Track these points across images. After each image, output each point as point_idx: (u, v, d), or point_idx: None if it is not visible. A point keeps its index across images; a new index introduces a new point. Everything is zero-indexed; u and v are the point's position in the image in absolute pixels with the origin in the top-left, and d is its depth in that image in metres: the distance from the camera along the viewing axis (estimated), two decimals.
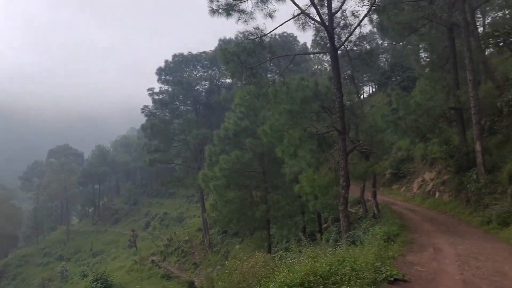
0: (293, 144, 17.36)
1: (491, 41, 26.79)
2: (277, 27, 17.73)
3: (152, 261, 55.71)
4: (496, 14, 45.29)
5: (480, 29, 40.29)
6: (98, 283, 40.40)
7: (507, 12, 40.23)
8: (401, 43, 50.26)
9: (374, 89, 77.20)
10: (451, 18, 22.94)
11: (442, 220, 20.90)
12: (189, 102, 54.13)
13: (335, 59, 16.86)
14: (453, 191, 25.31)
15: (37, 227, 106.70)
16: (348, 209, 31.67)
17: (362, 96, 78.14)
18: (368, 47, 30.34)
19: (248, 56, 18.92)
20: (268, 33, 18.52)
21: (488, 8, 44.79)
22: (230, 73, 18.65)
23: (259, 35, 18.55)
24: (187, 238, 57.51)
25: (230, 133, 26.83)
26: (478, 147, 20.47)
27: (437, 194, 29.02)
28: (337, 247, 13.80)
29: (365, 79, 77.15)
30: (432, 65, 26.10)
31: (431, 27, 24.59)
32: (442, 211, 24.59)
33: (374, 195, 23.68)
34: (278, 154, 18.64)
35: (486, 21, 44.99)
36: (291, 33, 58.94)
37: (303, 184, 17.11)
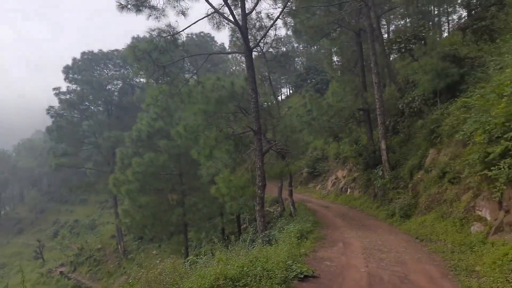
0: (209, 145, 17.11)
1: (394, 47, 28.81)
2: (190, 25, 17.36)
3: (61, 272, 52.10)
4: (399, 22, 49.00)
5: (386, 36, 43.31)
6: None
7: (408, 20, 43.59)
8: (315, 47, 52.48)
9: (291, 91, 79.61)
10: (358, 23, 24.24)
11: (352, 215, 21.94)
12: (100, 102, 51.22)
13: (249, 60, 16.90)
14: (362, 187, 26.80)
15: None
16: (267, 208, 32.41)
17: (279, 98, 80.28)
18: (283, 49, 31.20)
19: (160, 54, 18.31)
20: (181, 31, 18.00)
21: (392, 17, 48.31)
22: (141, 72, 17.80)
23: (171, 32, 18.01)
24: (99, 246, 54.69)
25: (143, 135, 25.80)
26: (383, 145, 21.80)
27: (349, 190, 30.56)
28: (253, 247, 13.86)
29: (283, 81, 79.40)
30: (342, 68, 27.43)
31: (341, 32, 25.79)
32: (353, 207, 25.90)
33: (291, 194, 24.23)
34: (194, 156, 18.25)
35: (391, 28, 48.47)
36: (208, 33, 58.68)
37: (219, 186, 16.90)
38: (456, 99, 16.37)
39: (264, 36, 19.63)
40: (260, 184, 16.13)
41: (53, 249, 69.29)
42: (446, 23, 46.54)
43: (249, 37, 22.12)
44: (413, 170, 19.90)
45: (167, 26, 17.97)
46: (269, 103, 23.16)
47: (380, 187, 22.22)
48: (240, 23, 17.40)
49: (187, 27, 18.27)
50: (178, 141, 18.38)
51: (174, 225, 25.76)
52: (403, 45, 27.52)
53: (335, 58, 29.71)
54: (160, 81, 19.01)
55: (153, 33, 18.91)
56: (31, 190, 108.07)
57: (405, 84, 25.55)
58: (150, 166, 24.76)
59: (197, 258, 12.18)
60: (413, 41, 25.80)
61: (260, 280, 7.74)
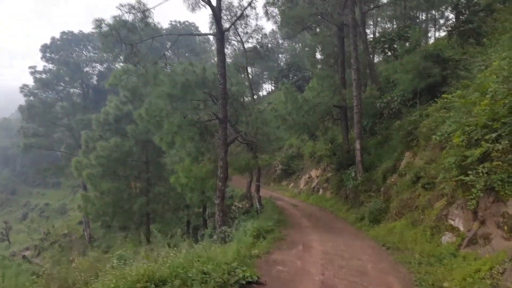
0: (171, 131, 15.90)
1: (378, 46, 28.00)
2: (162, 3, 16.14)
3: (23, 256, 50.10)
4: (386, 25, 48.42)
5: (371, 36, 42.61)
6: None
7: (395, 23, 42.96)
8: (300, 44, 51.46)
9: (273, 88, 78.62)
10: (341, 17, 23.25)
11: (320, 216, 21.04)
12: (76, 84, 49.32)
13: (220, 43, 15.76)
14: (335, 188, 25.92)
15: None
16: (235, 203, 31.34)
17: (261, 94, 79.21)
18: (265, 41, 30.09)
19: (129, 32, 17.05)
20: (152, 8, 16.83)
21: (379, 19, 47.73)
22: (106, 49, 16.48)
23: (141, 9, 16.81)
24: (66, 231, 52.93)
25: (110, 118, 24.44)
26: (357, 145, 20.91)
27: (321, 190, 29.69)
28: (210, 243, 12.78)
29: (265, 77, 78.29)
30: (322, 63, 26.44)
31: (323, 25, 24.79)
32: (323, 208, 25.01)
33: (258, 190, 23.16)
34: (156, 142, 17.04)
35: (377, 30, 47.85)
36: (193, 23, 57.30)
37: (179, 175, 15.74)
38: (436, 100, 15.52)
39: (238, 18, 18.56)
40: (221, 176, 15.04)
41: (20, 231, 67.26)
42: (433, 28, 46.11)
43: (227, 23, 21.05)
44: (386, 173, 19.03)
45: (137, 2, 16.79)
46: (244, 94, 21.93)
47: (352, 189, 21.37)
48: (214, 4, 16.25)
49: (158, 4, 17.10)
50: (140, 125, 17.13)
51: (137, 214, 24.47)
52: (387, 45, 26.79)
53: (318, 55, 28.70)
54: (128, 62, 17.77)
55: (122, 9, 17.61)
56: (3, 170, 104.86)
57: (386, 83, 24.75)
58: (115, 152, 23.45)
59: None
60: (397, 41, 25.02)
61: (192, 284, 6.66)
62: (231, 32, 27.26)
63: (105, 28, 16.77)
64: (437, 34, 45.56)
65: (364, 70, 29.35)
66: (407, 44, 23.16)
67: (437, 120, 14.59)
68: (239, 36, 26.83)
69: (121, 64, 19.07)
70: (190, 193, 16.49)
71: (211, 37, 59.79)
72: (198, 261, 7.81)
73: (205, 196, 17.50)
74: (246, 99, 27.97)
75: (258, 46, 26.88)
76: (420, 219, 13.00)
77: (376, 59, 40.77)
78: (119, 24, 16.83)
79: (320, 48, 25.83)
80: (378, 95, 22.96)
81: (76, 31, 52.08)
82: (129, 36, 17.18)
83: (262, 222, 14.88)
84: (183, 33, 48.70)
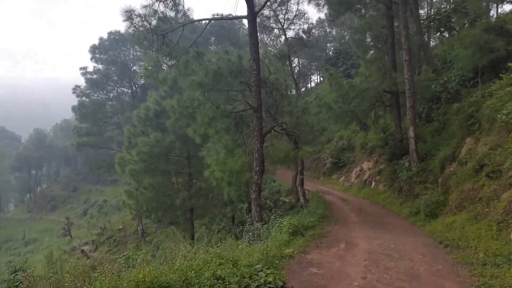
0: (204, 122, 15.00)
1: (432, 25, 25.64)
2: None
3: (82, 250, 52.06)
4: (441, 5, 44.92)
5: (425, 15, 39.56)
6: (17, 275, 36.80)
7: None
8: (349, 32, 49.08)
9: (321, 79, 76.34)
10: None
11: (370, 211, 19.38)
12: (125, 83, 50.21)
13: (253, 25, 14.61)
14: (388, 181, 24.08)
15: None
16: (282, 198, 30.18)
17: (309, 85, 77.17)
18: (305, 26, 28.52)
19: (160, 22, 16.34)
20: None
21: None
22: (137, 41, 15.82)
23: None
24: (121, 226, 54.31)
25: (151, 113, 24.05)
26: (411, 132, 19.05)
27: (373, 183, 27.88)
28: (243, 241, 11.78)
29: (313, 68, 76.03)
30: (369, 46, 24.51)
31: (370, 4, 22.91)
32: (374, 202, 23.30)
33: (301, 183, 21.83)
34: (190, 134, 16.22)
35: (431, 10, 44.51)
36: (229, 14, 56.43)
37: (213, 169, 14.82)
38: (501, 76, 13.47)
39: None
40: (257, 168, 13.95)
41: (81, 227, 70.23)
42: (495, 5, 42.11)
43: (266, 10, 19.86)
44: (445, 162, 17.06)
45: None
46: (284, 83, 20.58)
47: (406, 181, 19.52)
48: None
49: None
50: (173, 117, 16.39)
51: (179, 210, 23.99)
52: (442, 22, 24.40)
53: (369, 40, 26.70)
54: (160, 53, 17.07)
55: None
56: (65, 169, 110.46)
57: (443, 64, 22.46)
58: (156, 147, 23.02)
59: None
60: (454, 17, 22.62)
61: None
62: (271, 20, 25.97)
63: (136, 20, 16.17)
64: (499, 10, 41.58)
65: (418, 52, 27.06)
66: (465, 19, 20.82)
67: (502, 99, 12.64)
68: (280, 23, 25.45)
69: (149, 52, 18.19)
70: (227, 188, 15.54)
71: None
72: (219, 263, 6.78)
73: (243, 191, 16.47)
74: (292, 91, 26.73)
75: (300, 32, 25.36)
76: (485, 213, 11.21)
77: (432, 43, 37.89)
78: (150, 14, 16.16)
79: (366, 28, 23.85)
80: (433, 78, 20.81)
81: (122, 30, 52.73)
82: (160, 26, 16.46)
83: (303, 218, 13.64)
84: (231, 30, 48.06)
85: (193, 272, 6.15)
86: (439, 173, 17.06)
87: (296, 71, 74.64)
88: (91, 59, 48.86)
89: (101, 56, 48.96)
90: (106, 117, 45.83)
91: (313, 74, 78.30)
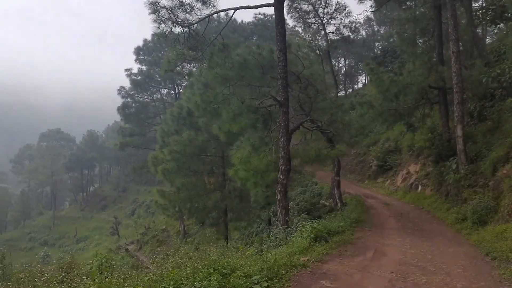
0: (229, 119, 14.19)
1: (486, 16, 23.51)
2: None
3: (126, 249, 53.02)
4: None
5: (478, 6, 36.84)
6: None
7: None
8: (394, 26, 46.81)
9: (369, 79, 73.56)
10: None
11: (413, 216, 17.77)
12: (168, 83, 50.68)
13: (279, 13, 13.67)
14: (435, 184, 22.26)
15: (24, 212, 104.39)
16: (322, 201, 28.88)
17: (356, 86, 74.65)
18: (347, 20, 27.06)
19: (186, 13, 15.74)
20: None
21: None
22: (162, 35, 15.31)
23: None
24: (164, 227, 54.85)
25: (184, 112, 23.63)
26: (459, 131, 17.30)
27: (420, 187, 26.06)
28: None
29: (360, 69, 73.45)
30: (414, 39, 22.71)
31: None
32: (419, 206, 21.60)
33: (338, 185, 20.52)
34: (215, 131, 15.49)
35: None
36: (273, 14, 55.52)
37: (237, 168, 13.96)
38: None
39: None
40: (283, 168, 12.92)
41: (129, 226, 71.96)
42: None
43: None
44: (497, 164, 15.24)
45: None
46: (320, 78, 19.35)
47: (453, 184, 17.73)
48: None
49: None
50: (196, 113, 15.71)
51: (212, 211, 23.40)
52: (498, 13, 22.26)
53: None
54: (187, 46, 16.48)
55: None
56: (115, 169, 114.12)
57: (496, 57, 20.39)
58: (188, 146, 22.54)
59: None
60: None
61: None
62: (311, 15, 24.81)
63: (162, 12, 15.69)
64: None
65: (470, 47, 24.91)
66: None
67: None
68: (319, 18, 24.26)
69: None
70: (253, 189, 14.63)
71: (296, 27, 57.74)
72: (208, 272, 5.89)
73: (271, 192, 15.47)
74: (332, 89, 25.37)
75: (341, 27, 24.05)
76: None
77: (488, 40, 35.18)
78: (176, 6, 15.62)
79: (412, 22, 22.14)
80: (485, 71, 18.85)
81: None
82: (187, 19, 15.87)
83: (331, 222, 12.46)
84: (263, 24, 47.15)
85: (171, 282, 5.29)
86: (490, 175, 15.27)
87: (342, 71, 72.62)
88: (135, 60, 49.81)
89: (145, 57, 49.69)
90: (149, 117, 46.38)
91: (360, 75, 75.67)
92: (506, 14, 21.97)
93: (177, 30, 16.02)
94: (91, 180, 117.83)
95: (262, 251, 11.53)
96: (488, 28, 28.86)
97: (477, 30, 26.65)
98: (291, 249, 8.66)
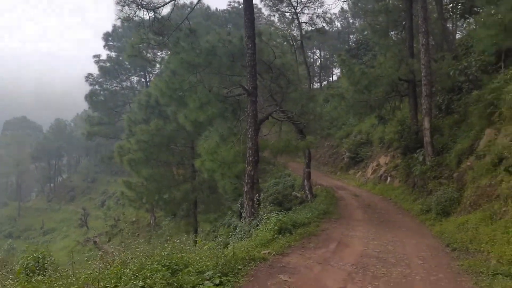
0: (195, 107, 13.77)
1: (455, 10, 23.81)
2: None
3: (95, 242, 51.90)
4: None
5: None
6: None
7: None
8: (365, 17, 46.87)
9: (343, 72, 73.87)
10: None
11: (380, 208, 17.89)
12: (138, 71, 49.35)
13: None
14: (403, 176, 22.51)
15: None
16: (294, 193, 28.85)
17: (331, 79, 74.91)
18: (320, 10, 26.86)
19: None
20: None
21: None
22: (125, 19, 14.68)
23: None
24: (134, 219, 53.95)
25: (152, 100, 22.99)
26: (426, 123, 17.45)
27: (389, 179, 26.36)
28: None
29: (335, 61, 73.71)
30: (385, 30, 22.71)
31: None
32: (387, 198, 21.82)
33: (308, 177, 20.43)
34: (181, 120, 15.04)
35: None
36: (255, 4, 54.85)
37: (203, 159, 13.59)
38: None
39: None
40: (250, 159, 12.64)
41: (98, 218, 70.46)
42: None
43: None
44: (461, 156, 15.43)
45: None
46: (292, 68, 19.08)
47: (419, 176, 17.91)
48: None
49: None
50: (161, 100, 15.22)
51: (181, 203, 22.95)
52: (467, 7, 22.56)
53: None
54: (152, 30, 15.87)
55: None
56: (84, 159, 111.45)
57: (464, 50, 20.61)
58: (156, 135, 21.96)
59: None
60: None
61: None
62: (284, 3, 24.45)
63: None
64: None
65: (440, 40, 25.15)
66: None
67: None
68: (293, 7, 23.93)
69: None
70: (221, 180, 14.30)
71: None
72: (155, 269, 5.56)
73: (240, 183, 15.16)
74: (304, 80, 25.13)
75: (314, 17, 23.82)
76: (502, 212, 9.69)
77: (458, 35, 35.70)
78: None
79: (384, 13, 22.13)
80: (452, 64, 19.04)
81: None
82: (152, 1, 15.25)
83: (298, 213, 12.30)
84: (237, 13, 46.48)
85: (106, 283, 4.93)
86: (455, 167, 15.46)
87: (318, 63, 72.69)
88: (104, 46, 48.27)
89: (114, 43, 48.31)
90: (118, 106, 45.14)
91: (335, 68, 75.96)
92: (475, 9, 22.29)
93: (142, 14, 15.50)
94: (59, 170, 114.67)
95: (228, 244, 11.28)
96: (458, 23, 29.27)
97: (447, 25, 26.94)
98: (253, 242, 8.43)
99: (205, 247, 7.34)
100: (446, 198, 13.58)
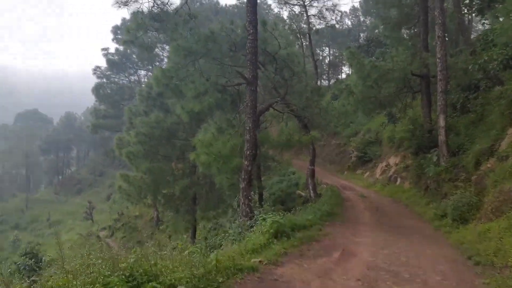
0: (192, 97, 12.75)
1: (473, 3, 22.43)
2: None
3: (98, 236, 51.41)
4: None
5: None
6: (27, 257, 36.23)
7: None
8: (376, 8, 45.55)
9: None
10: None
11: (389, 211, 16.73)
12: (146, 64, 48.64)
13: None
14: (414, 177, 21.30)
15: None
16: (298, 191, 27.78)
17: (340, 77, 73.53)
18: (329, 3, 25.71)
19: None
20: None
21: None
22: (122, 3, 13.77)
23: None
24: (137, 213, 53.40)
25: (153, 92, 22.03)
26: (441, 121, 16.26)
27: (399, 180, 25.26)
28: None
29: (345, 59, 72.36)
30: (398, 23, 21.42)
31: None
32: (397, 200, 20.65)
33: (312, 175, 19.33)
34: (177, 111, 14.04)
35: None
36: (264, 0, 53.98)
37: (198, 151, 12.57)
38: None
39: None
40: (248, 152, 11.58)
41: (104, 212, 70.27)
42: None
43: None
44: (480, 157, 14.18)
45: None
46: (297, 59, 17.98)
47: (433, 177, 16.71)
48: None
49: None
50: (156, 89, 14.26)
51: (180, 198, 22.02)
52: (485, 2, 21.20)
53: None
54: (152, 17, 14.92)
55: None
56: (93, 152, 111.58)
57: (483, 45, 19.30)
58: (156, 128, 21.03)
59: None
60: None
61: None
62: None
63: None
64: None
65: (456, 35, 23.87)
66: None
67: None
68: (302, 0, 22.80)
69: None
70: (218, 175, 13.28)
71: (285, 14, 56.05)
72: (106, 282, 4.54)
73: (237, 179, 14.09)
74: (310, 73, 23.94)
75: (323, 10, 22.65)
76: None
77: (473, 35, 34.35)
78: None
79: (397, 6, 20.90)
80: (470, 59, 17.78)
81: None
82: None
83: (299, 215, 11.20)
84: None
85: None
86: (472, 169, 14.25)
87: (327, 61, 71.34)
88: (113, 39, 47.67)
89: (123, 36, 47.61)
90: (125, 99, 44.47)
91: (344, 65, 74.52)
92: (494, 4, 20.91)
93: None
94: (68, 163, 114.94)
95: (221, 246, 10.24)
96: (475, 17, 27.89)
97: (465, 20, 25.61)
98: (243, 247, 7.36)
99: (185, 252, 6.26)
100: (464, 203, 12.37)
